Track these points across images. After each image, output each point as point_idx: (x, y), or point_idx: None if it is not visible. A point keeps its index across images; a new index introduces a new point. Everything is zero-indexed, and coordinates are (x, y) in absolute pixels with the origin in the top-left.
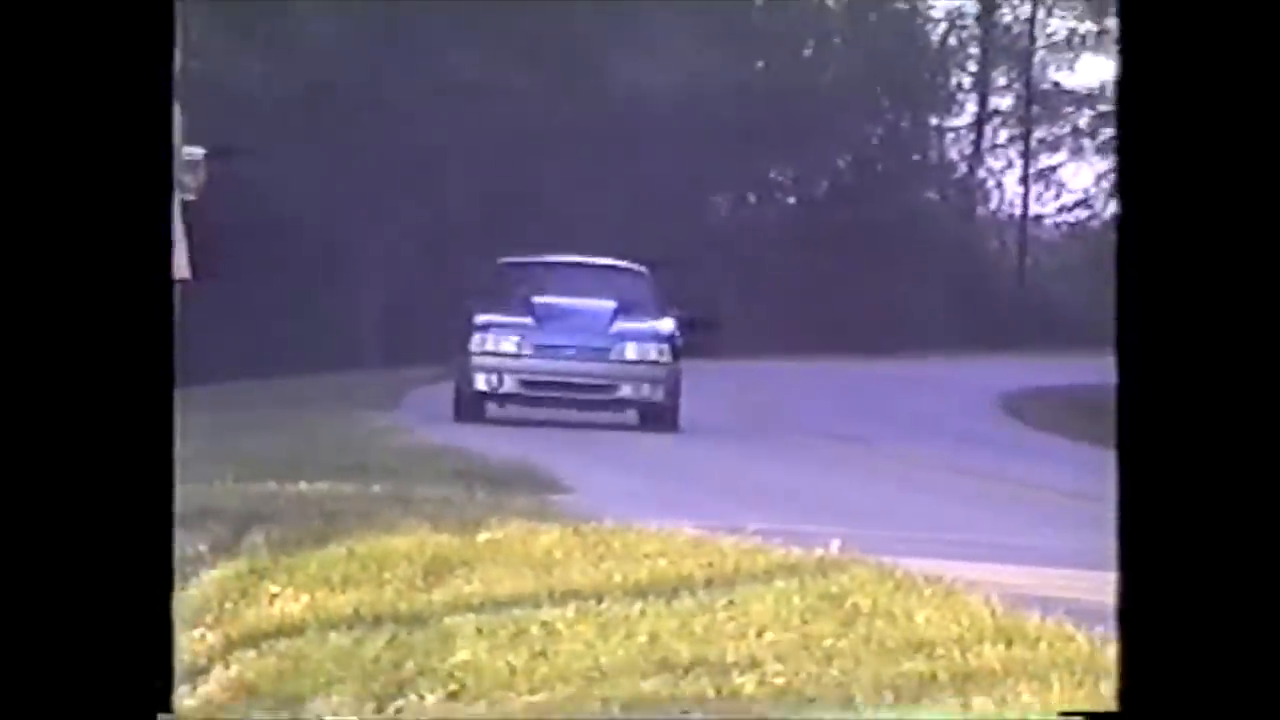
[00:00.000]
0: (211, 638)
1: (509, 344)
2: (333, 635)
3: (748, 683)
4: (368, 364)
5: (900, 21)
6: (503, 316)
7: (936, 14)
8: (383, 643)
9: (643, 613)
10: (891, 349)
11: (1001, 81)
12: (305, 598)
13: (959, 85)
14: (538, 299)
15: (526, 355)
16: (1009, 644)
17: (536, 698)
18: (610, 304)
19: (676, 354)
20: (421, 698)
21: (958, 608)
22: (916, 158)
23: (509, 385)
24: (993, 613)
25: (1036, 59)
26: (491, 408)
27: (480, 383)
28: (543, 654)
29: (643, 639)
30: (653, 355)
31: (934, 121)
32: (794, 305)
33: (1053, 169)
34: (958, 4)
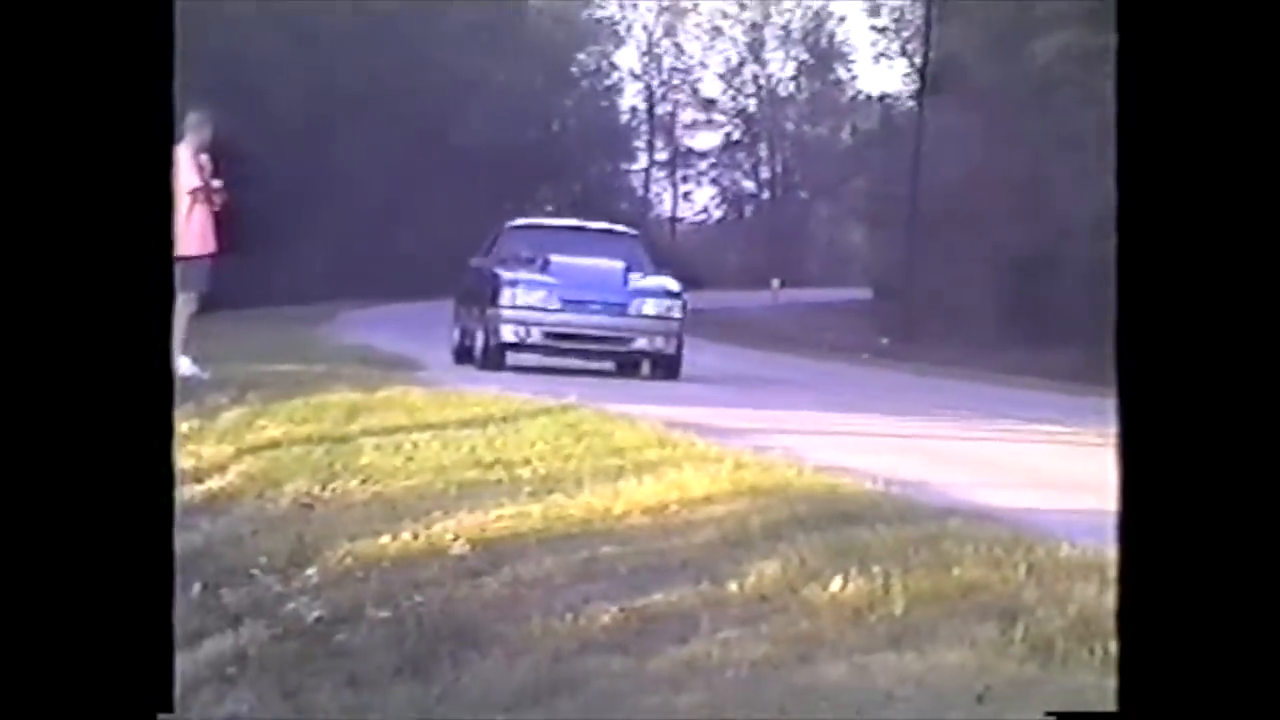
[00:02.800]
0: (229, 450)
1: (537, 299)
2: (295, 449)
3: (524, 471)
4: (313, 300)
5: (607, 111)
6: (527, 273)
7: (624, 108)
8: (322, 452)
9: (466, 435)
10: None
11: (660, 144)
12: (280, 429)
13: (638, 146)
14: (555, 258)
15: (554, 309)
16: (663, 447)
17: (409, 482)
18: (620, 264)
19: (685, 309)
20: (345, 482)
21: (638, 430)
22: (616, 185)
23: (535, 337)
24: (656, 433)
25: (679, 133)
26: (510, 356)
27: (508, 334)
28: (411, 458)
29: (466, 449)
30: (667, 310)
31: (624, 167)
32: None
33: (688, 193)
34: (633, 104)
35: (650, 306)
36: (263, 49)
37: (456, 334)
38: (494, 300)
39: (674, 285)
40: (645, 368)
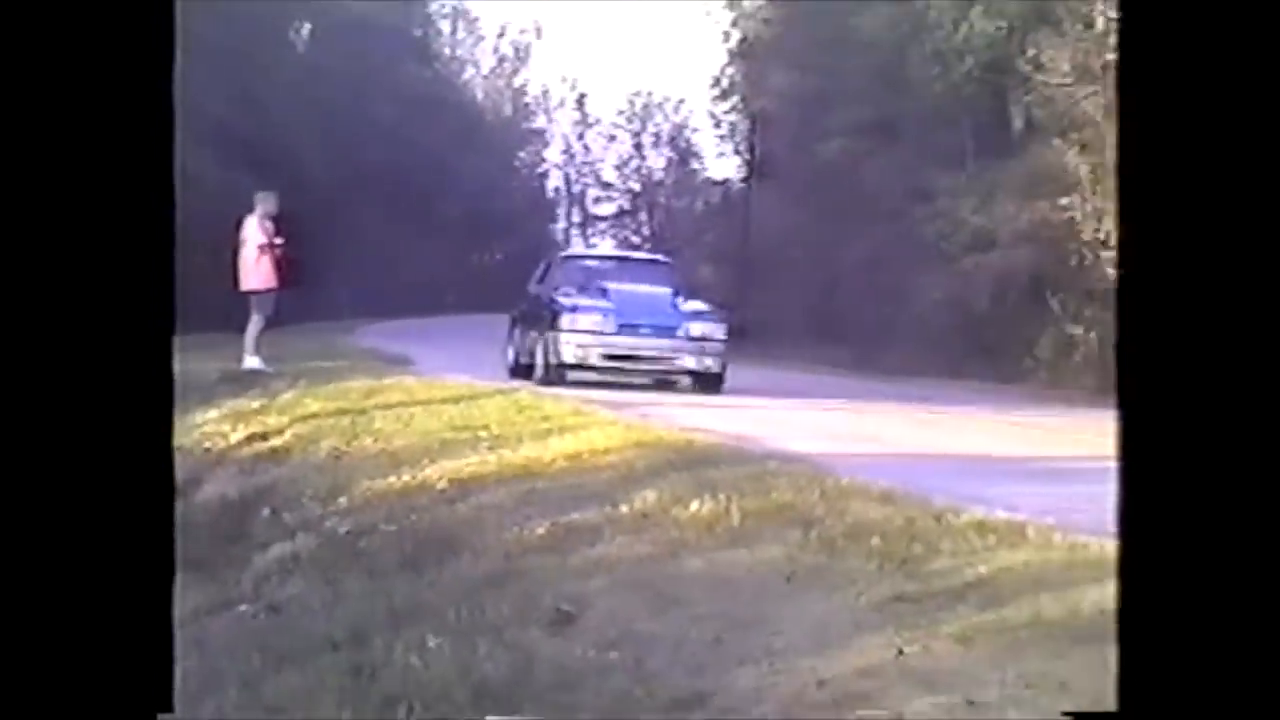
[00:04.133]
0: (286, 419)
1: (595, 322)
2: (330, 418)
3: (484, 433)
4: (341, 318)
5: (539, 190)
6: (586, 299)
7: (551, 188)
8: (348, 421)
9: (445, 409)
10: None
11: (575, 212)
12: (319, 405)
13: (560, 213)
14: (609, 285)
15: (610, 332)
16: (578, 415)
17: (407, 440)
18: (667, 290)
19: (730, 332)
20: (363, 441)
21: (560, 405)
22: (546, 240)
23: (594, 357)
24: (574, 408)
25: (588, 204)
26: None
27: (569, 354)
28: (408, 424)
29: (445, 419)
30: (711, 332)
31: (551, 227)
32: (480, 300)
33: (594, 245)
34: (557, 184)
35: (697, 328)
36: (306, 144)
37: (511, 353)
38: (554, 324)
39: (717, 310)
40: (684, 381)
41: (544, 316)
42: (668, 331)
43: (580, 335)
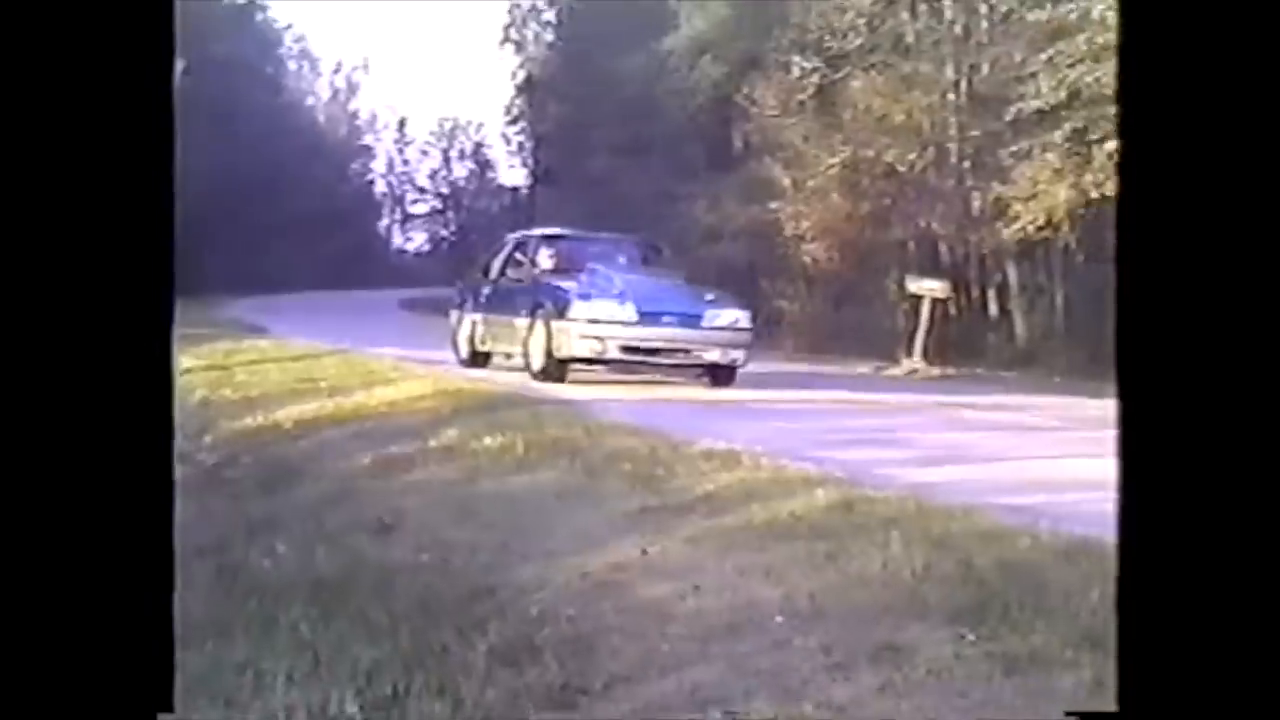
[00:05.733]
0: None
1: (613, 311)
2: (200, 374)
3: (323, 384)
4: (210, 295)
5: (368, 194)
6: (597, 285)
7: (378, 192)
8: (214, 375)
9: (292, 366)
10: (370, 286)
11: (396, 210)
12: (191, 362)
13: (385, 211)
14: (607, 269)
15: (630, 322)
16: (396, 371)
17: (262, 390)
18: (678, 275)
19: (755, 319)
20: (226, 391)
21: (382, 363)
22: (372, 233)
23: (611, 351)
24: (394, 364)
25: (406, 205)
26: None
27: (581, 348)
28: (263, 378)
29: (292, 374)
30: (738, 320)
31: (377, 223)
32: (322, 281)
33: (410, 237)
34: (382, 190)
35: (723, 317)
36: (180, 160)
37: (464, 342)
38: (562, 313)
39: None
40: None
41: (538, 304)
42: (692, 320)
43: (597, 326)
